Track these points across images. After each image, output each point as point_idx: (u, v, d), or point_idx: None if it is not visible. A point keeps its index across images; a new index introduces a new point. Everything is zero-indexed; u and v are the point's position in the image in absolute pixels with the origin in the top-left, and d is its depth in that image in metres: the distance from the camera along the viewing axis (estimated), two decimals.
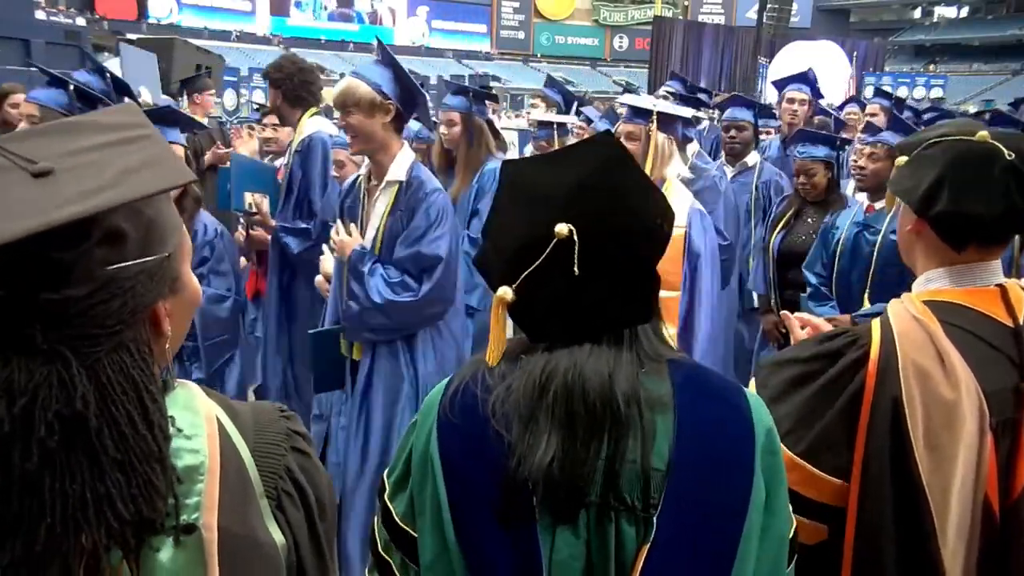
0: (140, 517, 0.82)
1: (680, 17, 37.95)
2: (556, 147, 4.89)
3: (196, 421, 0.90)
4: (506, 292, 1.06)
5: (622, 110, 5.13)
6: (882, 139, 3.64)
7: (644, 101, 3.43)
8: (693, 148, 5.17)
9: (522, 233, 1.06)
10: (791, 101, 5.84)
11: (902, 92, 27.12)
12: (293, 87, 4.14)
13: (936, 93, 28.40)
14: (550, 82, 6.29)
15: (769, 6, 25.71)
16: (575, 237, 1.02)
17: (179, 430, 0.88)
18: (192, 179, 0.92)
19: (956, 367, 1.40)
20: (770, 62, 20.96)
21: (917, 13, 49.57)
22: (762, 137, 6.06)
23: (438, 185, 2.89)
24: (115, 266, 0.81)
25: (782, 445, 1.43)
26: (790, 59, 19.06)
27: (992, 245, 1.51)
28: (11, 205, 0.77)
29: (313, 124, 4.09)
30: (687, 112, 3.42)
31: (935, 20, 48.68)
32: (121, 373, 0.82)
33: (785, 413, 1.48)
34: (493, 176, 4.02)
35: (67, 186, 0.79)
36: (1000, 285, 1.51)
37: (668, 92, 6.03)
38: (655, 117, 3.13)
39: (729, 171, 4.81)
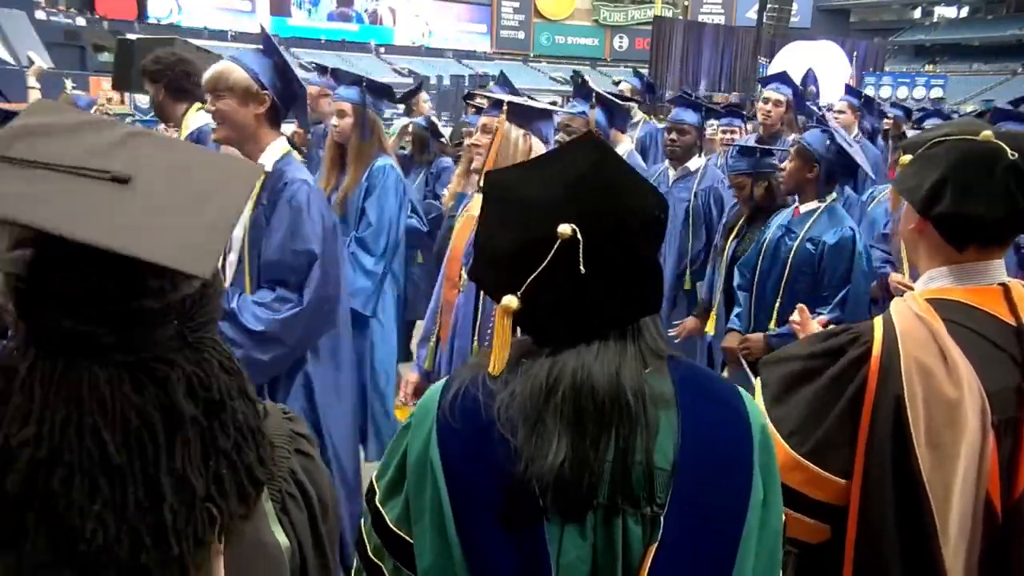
0: (271, 476, 0.88)
1: (680, 17, 37.92)
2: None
3: None
4: (511, 300, 1.05)
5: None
6: (801, 139, 3.54)
7: (500, 95, 3.27)
8: (626, 147, 5.03)
9: (520, 239, 1.06)
10: (766, 101, 5.68)
11: (902, 92, 27.15)
12: (175, 78, 3.91)
13: (936, 93, 28.41)
14: (502, 80, 6.14)
15: (769, 6, 25.72)
16: (579, 236, 1.02)
17: None
18: (265, 169, 0.96)
19: (959, 365, 1.40)
20: (770, 62, 20.98)
21: (917, 13, 49.54)
22: (730, 136, 5.89)
23: (304, 177, 2.64)
24: None
25: (786, 445, 1.44)
26: (790, 59, 19.07)
27: (993, 245, 1.51)
28: (142, 219, 0.76)
29: (200, 118, 3.85)
30: (544, 106, 3.13)
31: (935, 20, 48.63)
32: (225, 355, 0.87)
33: (787, 413, 1.48)
34: (382, 174, 3.78)
35: (172, 195, 0.80)
36: (1003, 284, 1.51)
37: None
38: (505, 109, 2.95)
39: (672, 174, 4.70)
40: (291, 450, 0.98)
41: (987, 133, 1.49)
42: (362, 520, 1.21)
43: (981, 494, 1.40)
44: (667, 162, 4.81)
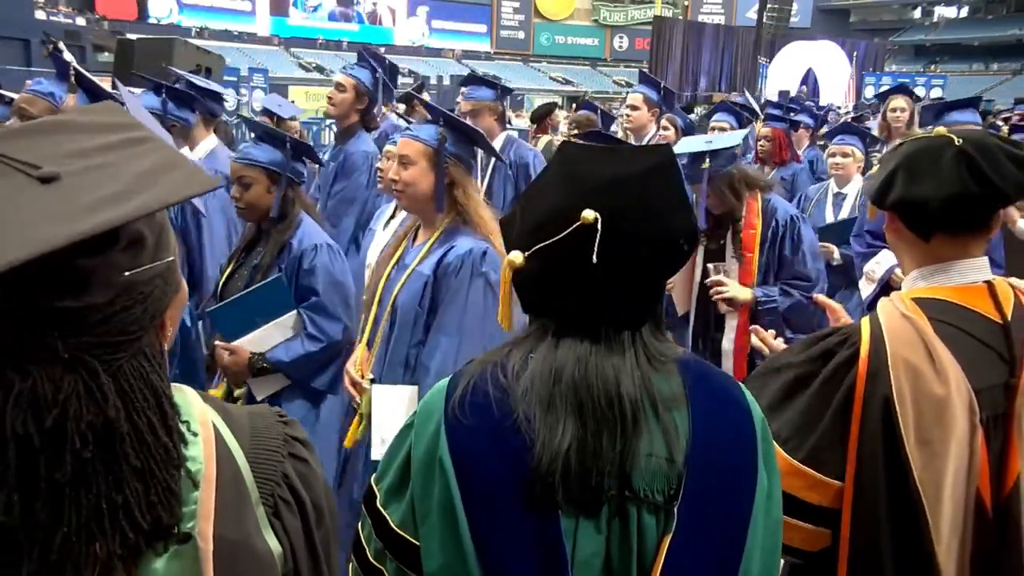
0: (159, 524, 0.82)
1: (680, 17, 37.87)
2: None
3: (192, 427, 0.90)
4: (516, 256, 1.08)
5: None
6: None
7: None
8: (208, 146, 4.31)
9: (551, 207, 1.08)
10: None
11: None
12: None
13: (936, 93, 28.34)
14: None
15: (769, 6, 25.71)
16: (599, 226, 1.03)
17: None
18: (220, 185, 0.91)
19: (945, 364, 1.41)
20: (770, 62, 20.92)
21: (917, 13, 49.47)
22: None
23: None
24: (134, 271, 0.81)
25: (782, 451, 1.45)
26: (790, 59, 19.06)
27: (962, 234, 1.52)
28: (29, 214, 0.74)
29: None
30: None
31: (935, 20, 48.54)
32: (141, 379, 0.83)
33: (784, 420, 1.48)
34: None
35: (83, 192, 0.77)
36: (988, 282, 1.52)
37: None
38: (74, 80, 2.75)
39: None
40: (284, 454, 0.97)
41: (940, 129, 1.54)
42: (359, 526, 1.20)
43: (972, 491, 1.41)
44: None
